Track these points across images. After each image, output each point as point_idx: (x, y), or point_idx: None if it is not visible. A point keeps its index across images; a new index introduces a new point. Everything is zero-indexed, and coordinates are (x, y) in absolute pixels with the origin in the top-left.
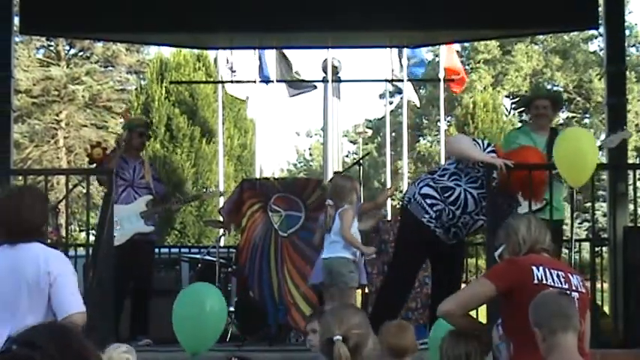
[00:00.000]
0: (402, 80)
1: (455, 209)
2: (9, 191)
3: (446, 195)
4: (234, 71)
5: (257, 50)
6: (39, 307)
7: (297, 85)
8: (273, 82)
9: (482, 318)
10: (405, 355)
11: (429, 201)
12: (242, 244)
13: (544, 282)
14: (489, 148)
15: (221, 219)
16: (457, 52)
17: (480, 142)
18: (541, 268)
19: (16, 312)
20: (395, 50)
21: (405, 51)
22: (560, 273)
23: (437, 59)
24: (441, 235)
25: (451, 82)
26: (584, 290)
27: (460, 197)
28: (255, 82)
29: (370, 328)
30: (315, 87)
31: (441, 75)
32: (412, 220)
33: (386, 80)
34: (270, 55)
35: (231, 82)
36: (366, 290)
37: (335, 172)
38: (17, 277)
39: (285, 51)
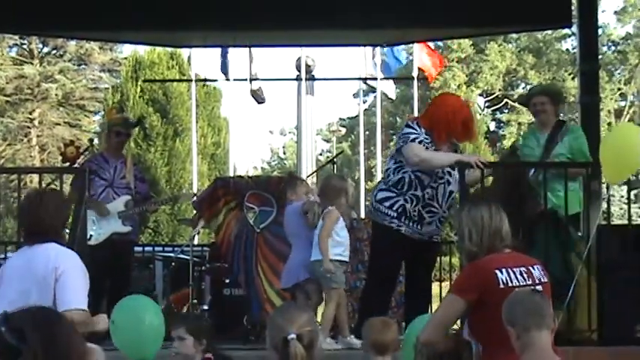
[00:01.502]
0: (376, 79)
1: (414, 192)
2: (29, 194)
3: (399, 187)
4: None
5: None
6: (47, 303)
7: (258, 98)
8: (246, 80)
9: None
10: (388, 351)
11: (386, 203)
12: (220, 242)
13: (509, 285)
14: (422, 131)
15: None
16: (430, 47)
17: (415, 126)
18: (504, 271)
19: None
20: (369, 49)
21: (378, 49)
22: (522, 269)
23: (410, 57)
24: (408, 233)
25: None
26: (546, 280)
27: (412, 179)
28: (228, 80)
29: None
30: (264, 101)
31: (415, 74)
32: (377, 228)
33: (360, 79)
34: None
35: (205, 80)
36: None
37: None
38: (29, 275)
39: (258, 49)
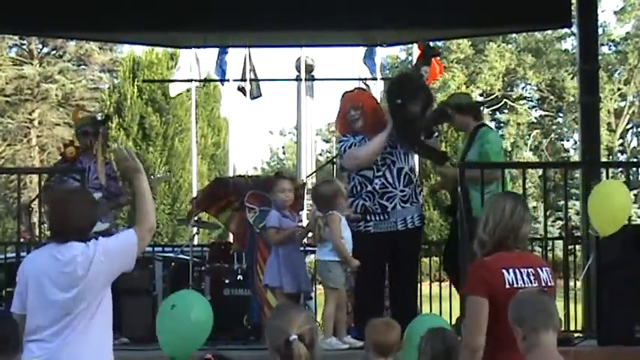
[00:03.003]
0: (375, 79)
1: (366, 190)
2: (57, 194)
3: (353, 192)
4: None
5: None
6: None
7: (253, 92)
8: (246, 80)
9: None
10: (390, 352)
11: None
12: (235, 239)
13: (515, 285)
14: (349, 137)
15: (195, 218)
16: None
17: (344, 137)
18: (511, 271)
19: (68, 311)
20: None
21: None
22: (530, 271)
23: (410, 58)
24: (377, 229)
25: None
26: (552, 283)
27: (360, 180)
28: (228, 80)
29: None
30: (260, 95)
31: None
32: (354, 237)
33: (359, 79)
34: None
35: (204, 80)
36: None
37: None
38: (66, 277)
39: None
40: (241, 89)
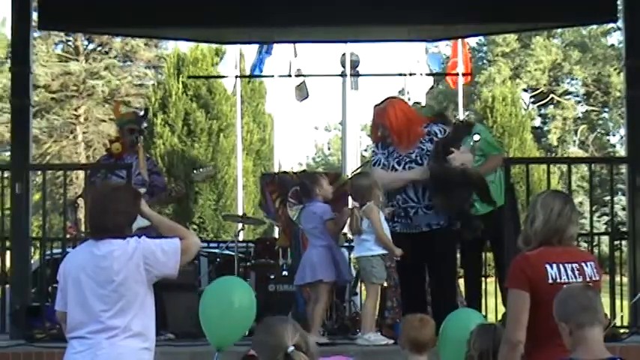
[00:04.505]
0: (421, 74)
1: (392, 201)
2: (96, 191)
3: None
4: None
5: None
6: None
7: (302, 93)
8: (291, 76)
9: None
10: (425, 349)
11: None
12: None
13: (558, 281)
14: (380, 150)
15: (240, 213)
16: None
17: (375, 148)
18: (554, 266)
19: (107, 306)
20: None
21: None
22: (574, 266)
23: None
24: (403, 230)
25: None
26: (597, 278)
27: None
28: (273, 76)
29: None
30: (307, 96)
31: (460, 70)
32: None
33: (403, 74)
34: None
35: (250, 76)
36: (384, 284)
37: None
38: (104, 274)
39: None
40: (297, 90)
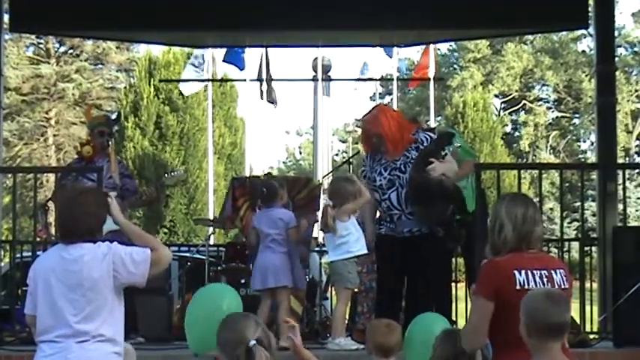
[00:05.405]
0: (392, 79)
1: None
2: (66, 194)
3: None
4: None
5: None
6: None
7: (270, 97)
8: (263, 80)
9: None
10: (391, 354)
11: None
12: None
13: (526, 287)
14: (366, 162)
15: (211, 217)
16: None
17: (363, 161)
18: (523, 272)
19: (77, 310)
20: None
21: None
22: (543, 272)
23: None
24: (388, 232)
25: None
26: (567, 286)
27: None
28: (245, 80)
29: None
30: (275, 102)
31: (431, 74)
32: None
33: (375, 79)
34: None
35: (221, 80)
36: (355, 289)
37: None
38: (73, 277)
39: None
40: (267, 96)
